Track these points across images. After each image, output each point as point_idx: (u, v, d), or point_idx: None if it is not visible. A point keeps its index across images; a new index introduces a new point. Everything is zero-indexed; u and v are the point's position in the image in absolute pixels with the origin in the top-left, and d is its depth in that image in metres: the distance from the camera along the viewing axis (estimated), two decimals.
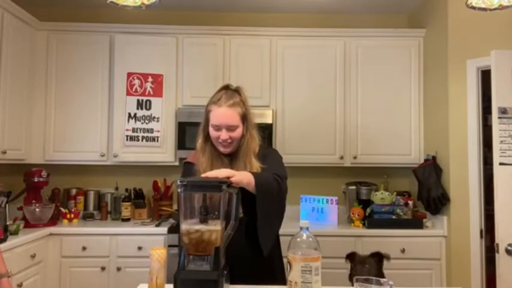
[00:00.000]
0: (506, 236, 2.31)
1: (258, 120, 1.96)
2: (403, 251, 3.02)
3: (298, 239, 1.36)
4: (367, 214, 3.24)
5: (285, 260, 1.50)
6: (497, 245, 2.33)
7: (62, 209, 3.35)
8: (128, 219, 3.39)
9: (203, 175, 1.57)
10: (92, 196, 3.57)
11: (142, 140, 3.35)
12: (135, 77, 3.37)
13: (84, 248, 3.03)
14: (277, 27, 3.53)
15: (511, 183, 2.36)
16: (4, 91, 2.92)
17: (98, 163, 3.45)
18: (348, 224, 3.34)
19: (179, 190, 1.43)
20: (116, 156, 3.34)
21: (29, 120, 3.28)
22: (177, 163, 3.40)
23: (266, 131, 3.24)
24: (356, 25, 3.65)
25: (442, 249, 3.07)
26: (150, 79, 3.38)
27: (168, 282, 1.44)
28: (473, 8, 1.79)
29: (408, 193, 3.53)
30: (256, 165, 1.75)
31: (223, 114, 1.72)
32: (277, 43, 3.47)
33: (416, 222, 3.17)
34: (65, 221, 3.31)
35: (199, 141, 1.82)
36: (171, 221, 3.31)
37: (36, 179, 3.22)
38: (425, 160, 3.31)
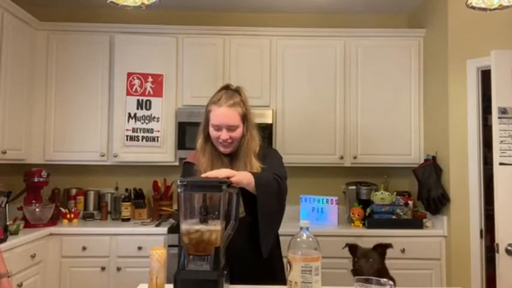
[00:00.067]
0: (506, 236, 2.31)
1: (258, 120, 1.96)
2: (403, 251, 3.02)
3: (298, 239, 1.36)
4: (367, 214, 3.24)
5: (285, 260, 1.50)
6: (497, 245, 2.33)
7: (62, 209, 3.35)
8: (127, 219, 3.39)
9: (203, 175, 1.57)
10: (92, 196, 3.57)
11: (142, 140, 3.35)
12: (135, 77, 3.37)
13: (84, 248, 3.03)
14: (277, 27, 3.53)
15: (511, 183, 2.36)
16: (4, 91, 2.92)
17: (98, 163, 3.45)
18: (348, 224, 3.34)
19: (179, 190, 1.43)
20: (116, 156, 3.34)
21: (29, 120, 3.28)
22: (177, 163, 3.40)
23: (266, 131, 3.24)
24: (356, 25, 3.65)
25: (442, 249, 3.07)
26: (150, 79, 3.38)
27: (168, 282, 1.44)
28: (473, 8, 1.79)
29: (408, 193, 3.53)
30: (257, 165, 1.75)
31: (224, 114, 1.72)
32: (277, 43, 3.47)
33: (416, 222, 3.17)
34: (65, 221, 3.31)
35: (200, 141, 1.82)
36: (171, 221, 3.31)
37: (36, 179, 3.22)
38: (425, 160, 3.31)
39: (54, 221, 3.20)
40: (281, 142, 3.40)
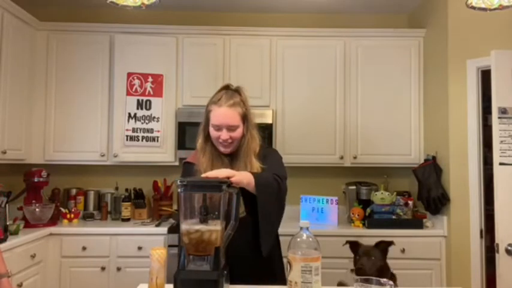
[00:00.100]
0: (506, 236, 2.31)
1: (258, 120, 1.96)
2: (403, 251, 3.02)
3: (298, 239, 1.36)
4: (367, 214, 3.24)
5: (285, 260, 1.50)
6: (497, 245, 2.33)
7: (62, 209, 3.35)
8: (128, 219, 3.39)
9: (203, 175, 1.57)
10: (92, 196, 3.57)
11: (142, 140, 3.35)
12: (135, 77, 3.37)
13: (84, 248, 3.03)
14: (277, 27, 3.53)
15: (511, 183, 2.36)
16: (4, 91, 2.92)
17: (98, 163, 3.45)
18: (348, 224, 3.34)
19: (179, 190, 1.43)
20: (116, 156, 3.34)
21: (29, 120, 3.28)
22: (177, 163, 3.40)
23: (266, 131, 3.24)
24: (356, 25, 3.65)
25: (442, 249, 3.07)
26: (150, 79, 3.38)
27: (168, 282, 1.44)
28: (473, 8, 1.79)
29: (408, 193, 3.53)
30: (257, 165, 1.75)
31: (224, 114, 1.72)
32: (277, 43, 3.47)
33: (416, 222, 3.17)
34: (65, 221, 3.31)
35: (200, 141, 1.82)
36: (171, 221, 3.31)
37: (36, 179, 3.22)
38: (425, 160, 3.31)
39: (54, 221, 3.20)
40: (281, 142, 3.40)
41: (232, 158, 1.80)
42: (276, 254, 1.83)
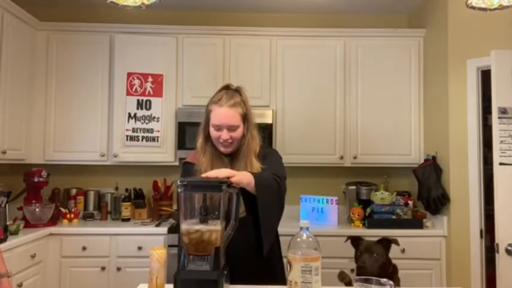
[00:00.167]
0: (506, 236, 2.31)
1: (258, 120, 1.96)
2: (403, 251, 3.02)
3: (298, 239, 1.36)
4: (367, 214, 3.24)
5: (285, 260, 1.50)
6: (497, 245, 2.33)
7: (62, 209, 3.35)
8: (128, 219, 3.39)
9: (203, 175, 1.57)
10: (92, 196, 3.57)
11: (142, 140, 3.35)
12: (135, 77, 3.37)
13: (84, 248, 3.03)
14: (277, 27, 3.53)
15: (511, 183, 2.36)
16: (4, 91, 2.92)
17: (98, 163, 3.45)
18: (348, 224, 3.34)
19: (179, 190, 1.43)
20: (116, 156, 3.34)
21: (29, 120, 3.28)
22: (177, 163, 3.40)
23: (266, 131, 3.24)
24: (356, 25, 3.65)
25: (442, 249, 3.07)
26: (150, 79, 3.38)
27: (168, 282, 1.44)
28: (473, 8, 1.79)
29: (408, 193, 3.53)
30: (257, 166, 1.75)
31: (224, 114, 1.72)
32: (277, 43, 3.47)
33: (416, 222, 3.17)
34: (65, 221, 3.31)
35: (200, 141, 1.82)
36: (171, 221, 3.31)
37: (36, 179, 3.22)
38: (425, 160, 3.31)
39: (54, 221, 3.20)
40: (281, 142, 3.40)
41: (232, 158, 1.80)
42: (276, 254, 1.83)
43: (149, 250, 1.42)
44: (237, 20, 3.72)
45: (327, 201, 3.33)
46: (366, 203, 3.32)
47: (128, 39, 3.40)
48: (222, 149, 1.78)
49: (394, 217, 3.18)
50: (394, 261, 2.10)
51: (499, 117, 2.39)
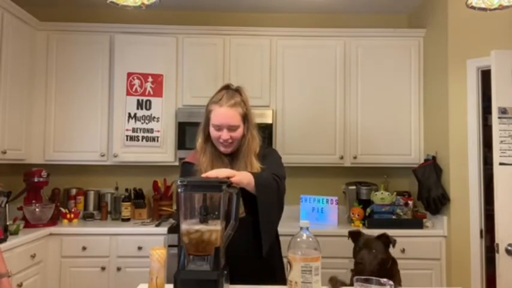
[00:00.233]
0: (506, 236, 2.31)
1: (258, 120, 1.96)
2: (403, 251, 3.02)
3: (298, 239, 1.36)
4: (367, 214, 3.25)
5: (285, 260, 1.50)
6: (497, 245, 2.33)
7: (62, 209, 3.35)
8: (128, 219, 3.39)
9: (203, 175, 1.57)
10: (92, 196, 3.57)
11: (142, 140, 3.35)
12: (135, 77, 3.37)
13: (84, 248, 3.03)
14: (277, 27, 3.53)
15: (511, 183, 2.36)
16: (4, 91, 2.92)
17: (98, 163, 3.45)
18: (348, 224, 3.34)
19: (179, 190, 1.42)
20: (116, 156, 3.34)
21: (29, 120, 3.28)
22: (177, 163, 3.40)
23: (266, 131, 3.24)
24: (356, 25, 3.65)
25: (442, 249, 3.07)
26: (150, 79, 3.38)
27: (168, 282, 1.44)
28: (473, 8, 1.79)
29: (408, 193, 3.54)
30: (257, 166, 1.75)
31: (225, 114, 1.72)
32: (277, 43, 3.47)
33: (416, 222, 3.17)
34: (65, 221, 3.31)
35: (200, 141, 1.82)
36: (171, 221, 3.31)
37: (36, 179, 3.22)
38: (425, 160, 3.31)
39: (54, 221, 3.20)
40: (281, 142, 3.40)
41: (232, 158, 1.80)
42: (276, 254, 1.83)
43: (149, 250, 1.42)
44: (237, 20, 3.72)
45: (327, 201, 3.33)
46: (366, 203, 3.32)
47: (127, 39, 3.40)
48: (222, 149, 1.78)
49: (394, 217, 3.18)
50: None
51: (499, 117, 2.39)
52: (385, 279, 1.26)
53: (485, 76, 2.81)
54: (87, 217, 3.45)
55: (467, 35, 2.98)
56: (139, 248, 3.04)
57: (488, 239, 2.90)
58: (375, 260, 1.87)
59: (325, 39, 3.48)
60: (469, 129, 2.94)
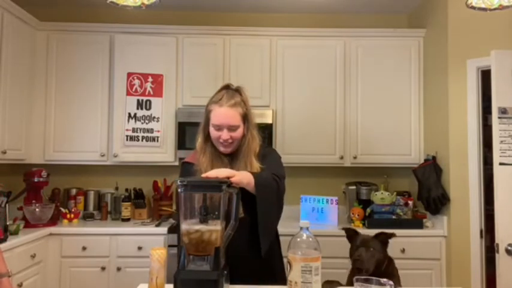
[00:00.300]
0: (506, 236, 2.31)
1: (258, 120, 1.96)
2: (403, 251, 3.02)
3: (298, 239, 1.36)
4: (367, 214, 3.24)
5: (285, 260, 1.50)
6: (497, 245, 2.33)
7: (62, 209, 3.35)
8: (128, 219, 3.39)
9: (203, 175, 1.57)
10: (92, 196, 3.57)
11: (142, 140, 3.35)
12: (135, 77, 3.37)
13: (84, 248, 3.03)
14: (277, 27, 3.53)
15: (511, 183, 2.36)
16: (4, 91, 2.92)
17: (98, 163, 3.45)
18: (348, 224, 3.33)
19: (179, 190, 1.42)
20: (116, 156, 3.34)
21: (29, 120, 3.28)
22: (177, 163, 3.40)
23: (266, 131, 3.24)
24: (356, 25, 3.65)
25: (442, 249, 3.07)
26: (150, 79, 3.38)
27: (168, 282, 1.44)
28: (473, 8, 1.79)
29: (408, 193, 3.53)
30: (256, 166, 1.75)
31: (225, 114, 1.72)
32: (277, 43, 3.47)
33: (416, 222, 3.17)
34: (65, 221, 3.31)
35: (199, 141, 1.82)
36: (171, 221, 3.31)
37: (36, 179, 3.22)
38: (425, 160, 3.31)
39: (54, 221, 3.20)
40: (281, 142, 3.40)
41: (232, 158, 1.80)
42: (276, 254, 1.83)
43: (149, 250, 1.42)
44: (237, 20, 3.72)
45: (327, 201, 3.33)
46: (366, 203, 3.32)
47: (128, 39, 3.40)
48: (222, 149, 1.78)
49: (394, 217, 3.18)
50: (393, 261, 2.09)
51: (499, 117, 2.39)
52: (385, 279, 1.26)
53: (485, 76, 2.81)
54: (87, 217, 3.45)
55: (467, 35, 2.98)
56: (139, 248, 3.04)
57: (488, 239, 2.90)
58: (372, 258, 1.86)
59: (325, 39, 3.48)
60: (469, 129, 2.94)
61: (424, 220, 3.21)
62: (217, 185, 1.44)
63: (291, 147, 3.39)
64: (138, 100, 3.36)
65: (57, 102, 3.37)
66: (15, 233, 2.77)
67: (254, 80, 3.41)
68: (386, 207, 3.20)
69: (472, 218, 2.89)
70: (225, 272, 1.43)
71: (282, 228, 1.84)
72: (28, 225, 3.03)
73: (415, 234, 3.08)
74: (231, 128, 1.73)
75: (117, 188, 3.56)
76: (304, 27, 3.55)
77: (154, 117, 3.37)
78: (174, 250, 2.63)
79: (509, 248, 2.29)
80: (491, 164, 2.44)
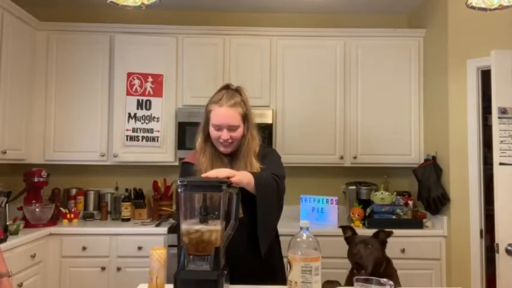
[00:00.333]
0: (506, 236, 2.31)
1: (258, 120, 1.96)
2: (403, 251, 3.02)
3: (298, 239, 1.36)
4: (367, 214, 3.24)
5: (285, 260, 1.50)
6: (497, 245, 2.33)
7: (62, 209, 3.35)
8: (128, 219, 3.39)
9: (203, 175, 1.57)
10: (92, 196, 3.57)
11: (142, 140, 3.35)
12: (135, 77, 3.37)
13: (84, 248, 3.03)
14: (277, 27, 3.53)
15: (511, 183, 2.36)
16: (4, 91, 2.92)
17: (98, 163, 3.44)
18: (348, 224, 3.33)
19: (179, 190, 1.42)
20: (116, 156, 3.34)
21: (29, 120, 3.28)
22: (177, 163, 3.40)
23: (266, 131, 3.24)
24: (356, 25, 3.65)
25: (442, 249, 3.07)
26: (150, 79, 3.38)
27: (168, 282, 1.44)
28: (473, 8, 1.79)
29: (408, 193, 3.53)
30: (256, 166, 1.75)
31: (225, 114, 1.72)
32: (277, 43, 3.47)
33: (416, 222, 3.17)
34: (65, 221, 3.31)
35: (199, 141, 1.82)
36: (171, 221, 3.31)
37: (36, 179, 3.22)
38: (425, 160, 3.31)
39: (54, 221, 3.20)
40: (281, 142, 3.40)
41: (232, 158, 1.80)
42: (277, 254, 1.83)
43: (149, 250, 1.42)
44: (237, 20, 3.72)
45: (327, 201, 3.33)
46: (366, 203, 3.32)
47: (128, 39, 3.40)
48: (221, 149, 1.78)
49: (394, 217, 3.18)
50: (394, 262, 2.09)
51: (499, 117, 2.39)
52: (385, 279, 1.26)
53: (485, 76, 2.81)
54: (87, 217, 3.45)
55: (467, 35, 2.98)
56: (139, 248, 3.04)
57: (488, 239, 2.90)
58: (370, 255, 1.87)
59: (325, 39, 3.48)
60: (469, 129, 2.94)
61: (424, 220, 3.21)
62: (217, 185, 1.44)
63: (291, 147, 3.39)
64: (138, 100, 3.36)
65: (57, 102, 3.37)
66: (15, 233, 2.77)
67: (254, 80, 3.41)
68: (386, 207, 3.20)
69: (472, 218, 2.89)
70: (225, 272, 1.43)
71: (282, 228, 1.84)
72: (28, 225, 3.03)
73: (415, 234, 3.08)
74: (231, 128, 1.73)
75: (117, 188, 3.56)
76: (304, 27, 3.55)
77: (154, 117, 3.37)
78: (174, 250, 2.63)
79: (509, 248, 2.29)
80: (491, 164, 2.44)
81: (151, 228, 3.13)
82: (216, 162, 1.76)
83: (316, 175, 3.68)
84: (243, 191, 1.59)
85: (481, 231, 2.87)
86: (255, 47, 3.46)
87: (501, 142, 2.38)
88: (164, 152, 3.38)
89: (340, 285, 1.76)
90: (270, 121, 3.33)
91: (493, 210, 2.42)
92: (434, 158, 3.21)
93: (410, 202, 3.31)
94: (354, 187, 3.48)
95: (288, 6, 3.65)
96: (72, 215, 3.34)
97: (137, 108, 3.36)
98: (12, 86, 3.02)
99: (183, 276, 1.37)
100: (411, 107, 3.46)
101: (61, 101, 3.37)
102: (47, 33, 3.39)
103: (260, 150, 1.82)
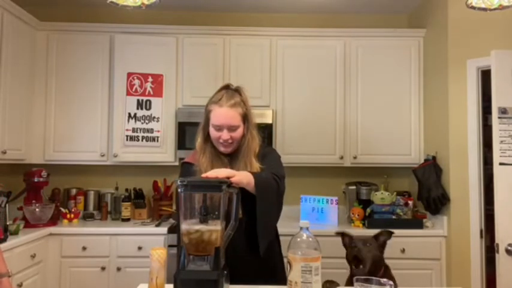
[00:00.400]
0: (506, 236, 2.31)
1: (258, 120, 1.95)
2: (403, 251, 3.02)
3: (298, 239, 1.36)
4: (367, 214, 3.24)
5: (285, 260, 1.50)
6: (497, 245, 2.34)
7: (62, 209, 3.35)
8: (128, 219, 3.39)
9: (203, 175, 1.57)
10: (92, 196, 3.57)
11: (142, 140, 3.35)
12: (135, 77, 3.37)
13: (84, 248, 3.03)
14: (277, 27, 3.53)
15: (511, 183, 2.36)
16: (4, 91, 2.92)
17: (98, 163, 3.45)
18: (348, 224, 3.34)
19: (179, 190, 1.42)
20: (116, 156, 3.34)
21: (29, 120, 3.28)
22: (177, 163, 3.40)
23: (266, 131, 3.24)
24: (356, 25, 3.65)
25: (442, 249, 3.07)
26: (150, 79, 3.38)
27: (168, 282, 1.44)
28: (473, 8, 1.79)
29: (408, 193, 3.54)
30: (256, 166, 1.75)
31: (225, 114, 1.72)
32: (277, 43, 3.47)
33: (416, 222, 3.17)
34: (65, 221, 3.31)
35: (199, 141, 1.82)
36: (171, 221, 3.31)
37: (36, 179, 3.22)
38: (425, 160, 3.31)
39: (54, 221, 3.20)
40: (281, 142, 3.40)
41: (232, 158, 1.80)
42: (277, 254, 1.83)
43: (149, 250, 1.42)
44: (237, 20, 3.73)
45: (327, 201, 3.33)
46: (366, 203, 3.32)
47: (128, 39, 3.40)
48: (222, 149, 1.78)
49: (394, 217, 3.18)
50: (394, 262, 2.09)
51: (499, 117, 2.39)
52: (385, 279, 1.26)
53: (485, 76, 2.81)
54: (87, 217, 3.45)
55: (467, 35, 2.98)
56: (140, 248, 3.04)
57: (488, 239, 2.90)
58: (369, 253, 1.86)
59: (325, 39, 3.48)
60: (469, 129, 2.94)
61: (424, 220, 3.21)
62: (217, 185, 1.44)
63: (291, 147, 3.39)
64: (138, 100, 3.36)
65: (57, 102, 3.37)
66: (15, 233, 2.77)
67: (254, 80, 3.41)
68: (386, 207, 3.20)
69: (472, 218, 2.89)
70: (225, 272, 1.43)
71: (282, 228, 1.84)
72: (28, 225, 3.04)
73: (415, 234, 3.08)
74: (231, 128, 1.73)
75: (117, 188, 3.56)
76: (304, 27, 3.55)
77: (154, 117, 3.37)
78: (174, 250, 2.63)
79: (509, 248, 2.29)
80: (491, 164, 2.44)
81: (151, 228, 3.13)
82: (216, 162, 1.76)
83: (316, 175, 3.68)
84: (242, 191, 1.59)
85: (481, 231, 2.87)
86: (255, 47, 3.46)
87: (501, 142, 2.38)
88: (164, 152, 3.38)
89: (339, 285, 1.76)
90: (270, 121, 3.33)
91: (493, 210, 2.43)
92: (434, 158, 3.21)
93: (410, 202, 3.31)
94: (353, 187, 3.48)
95: (288, 6, 3.65)
96: (72, 215, 3.34)
97: (137, 108, 3.36)
98: (12, 86, 3.02)
99: (183, 276, 1.37)
100: (411, 107, 3.46)
101: (61, 101, 3.38)
102: (47, 33, 3.39)
103: (260, 150, 1.82)
